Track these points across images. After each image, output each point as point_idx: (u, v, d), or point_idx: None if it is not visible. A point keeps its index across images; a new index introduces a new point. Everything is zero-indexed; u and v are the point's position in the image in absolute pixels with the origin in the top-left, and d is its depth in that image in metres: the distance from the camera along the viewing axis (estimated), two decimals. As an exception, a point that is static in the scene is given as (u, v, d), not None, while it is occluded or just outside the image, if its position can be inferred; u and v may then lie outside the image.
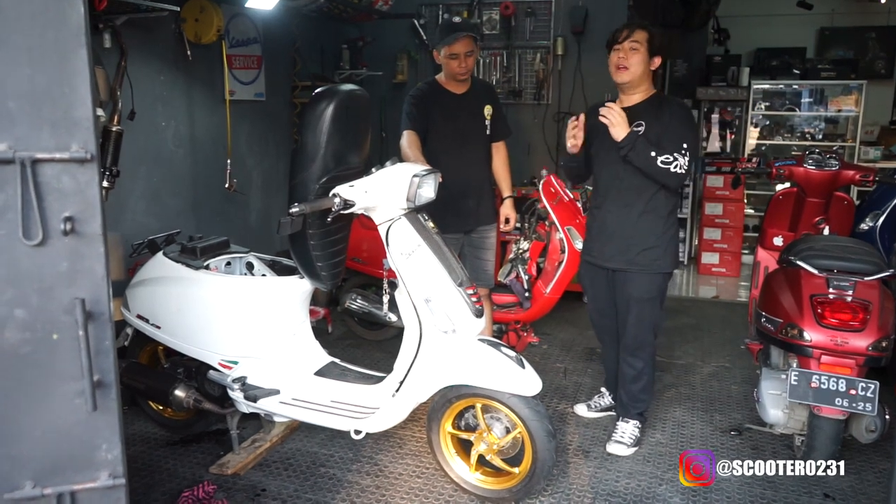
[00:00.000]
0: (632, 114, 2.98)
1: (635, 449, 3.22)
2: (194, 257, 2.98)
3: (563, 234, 3.95)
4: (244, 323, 2.83)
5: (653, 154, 2.82)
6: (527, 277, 4.05)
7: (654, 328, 3.18)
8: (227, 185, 4.28)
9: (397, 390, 2.63)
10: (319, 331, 4.71)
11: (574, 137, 2.99)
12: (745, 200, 6.99)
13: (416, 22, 5.90)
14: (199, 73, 4.23)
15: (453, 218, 3.50)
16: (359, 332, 4.62)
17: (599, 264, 3.18)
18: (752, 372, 3.94)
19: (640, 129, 2.93)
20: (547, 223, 4.13)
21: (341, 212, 2.50)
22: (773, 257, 3.90)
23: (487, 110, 3.55)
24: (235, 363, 2.85)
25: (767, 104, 7.73)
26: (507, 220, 3.68)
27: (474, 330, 2.60)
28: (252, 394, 2.79)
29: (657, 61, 2.99)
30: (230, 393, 2.84)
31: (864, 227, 4.58)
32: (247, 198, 4.69)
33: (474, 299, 2.59)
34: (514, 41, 5.89)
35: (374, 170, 2.58)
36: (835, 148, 7.32)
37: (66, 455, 1.60)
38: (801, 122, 7.94)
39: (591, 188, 4.50)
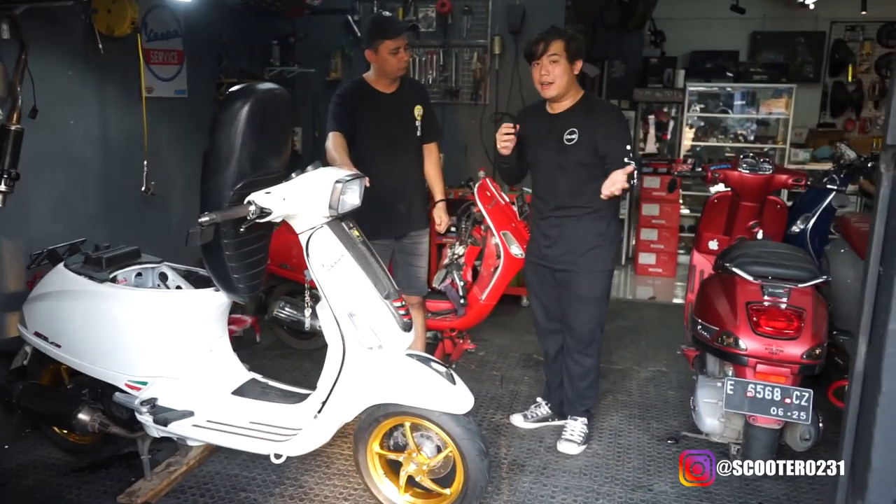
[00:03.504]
0: (563, 120, 2.99)
1: (584, 447, 3.20)
2: (99, 269, 2.74)
3: (499, 238, 3.84)
4: (153, 340, 2.61)
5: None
6: (462, 283, 3.92)
7: (601, 324, 3.17)
8: (143, 189, 4.01)
9: (319, 411, 2.46)
10: (247, 340, 4.53)
11: (504, 143, 2.94)
12: (681, 201, 7.05)
13: (350, 18, 5.71)
14: (112, 68, 3.95)
15: (384, 223, 3.36)
16: (288, 341, 4.41)
17: (545, 265, 3.16)
18: (688, 377, 3.91)
19: (573, 136, 2.92)
20: (483, 227, 4.02)
21: (257, 220, 2.32)
22: (708, 261, 3.89)
23: (418, 110, 3.41)
24: (144, 384, 2.64)
25: (702, 106, 7.82)
26: (439, 223, 3.56)
27: (402, 345, 2.45)
28: (162, 417, 2.57)
29: (579, 65, 2.97)
30: (138, 416, 2.62)
31: (795, 229, 4.63)
32: (167, 202, 4.41)
33: (402, 312, 2.45)
34: (451, 39, 5.75)
35: (294, 175, 2.40)
36: (765, 150, 7.47)
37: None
38: (734, 123, 8.07)
39: (528, 191, 4.45)
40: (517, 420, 3.46)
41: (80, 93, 3.79)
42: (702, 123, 7.99)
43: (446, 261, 4.06)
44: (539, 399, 3.51)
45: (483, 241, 4.01)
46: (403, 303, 2.48)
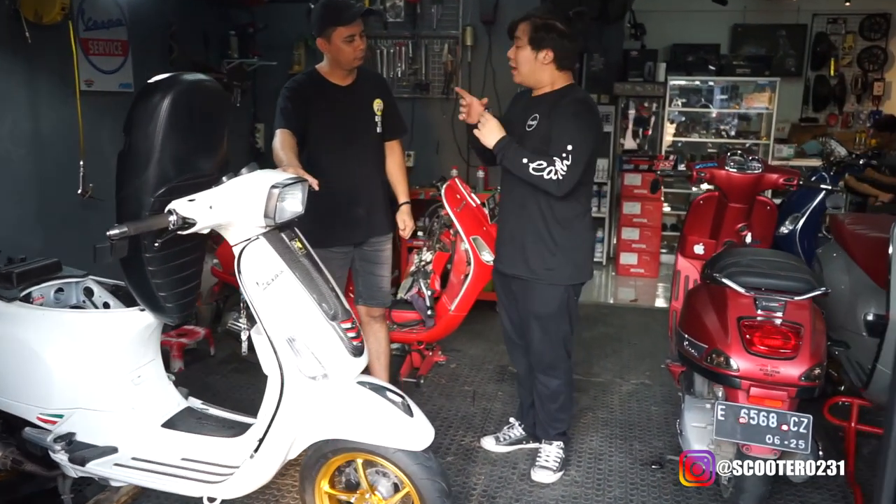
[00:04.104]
0: (534, 104, 2.72)
1: (561, 474, 2.92)
2: (9, 285, 2.40)
3: (469, 244, 3.54)
4: (69, 367, 2.28)
5: (524, 161, 2.53)
6: (429, 293, 3.62)
7: (564, 345, 2.87)
8: (80, 191, 3.65)
9: (256, 450, 2.15)
10: (201, 353, 4.21)
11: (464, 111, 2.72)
12: (663, 199, 6.81)
13: (312, 6, 5.37)
14: (42, 58, 3.60)
15: (341, 229, 3.06)
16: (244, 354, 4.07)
17: (501, 270, 2.89)
18: (673, 390, 3.66)
19: (533, 122, 2.67)
20: (452, 232, 3.72)
21: (179, 232, 2.01)
22: (694, 266, 3.63)
23: (377, 104, 3.10)
24: (60, 417, 2.31)
25: (684, 100, 7.58)
26: (403, 228, 3.26)
27: (352, 372, 2.14)
28: (80, 455, 2.25)
29: (546, 55, 2.64)
30: (52, 455, 2.29)
31: (783, 230, 4.39)
32: (108, 205, 4.05)
33: (351, 335, 2.14)
34: (421, 30, 5.46)
35: (224, 179, 2.08)
36: (748, 145, 7.27)
37: None
38: (716, 118, 7.85)
39: (501, 189, 4.16)
40: (489, 443, 3.17)
41: (5, 86, 3.46)
42: (682, 118, 7.77)
43: (412, 268, 3.76)
44: (512, 419, 3.23)
45: (452, 246, 3.72)
46: (353, 324, 2.17)
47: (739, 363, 2.45)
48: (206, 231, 2.07)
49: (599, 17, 7.08)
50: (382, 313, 3.31)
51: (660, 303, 5.79)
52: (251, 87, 5.63)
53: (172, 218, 1.97)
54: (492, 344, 4.45)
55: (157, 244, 2.00)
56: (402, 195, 3.27)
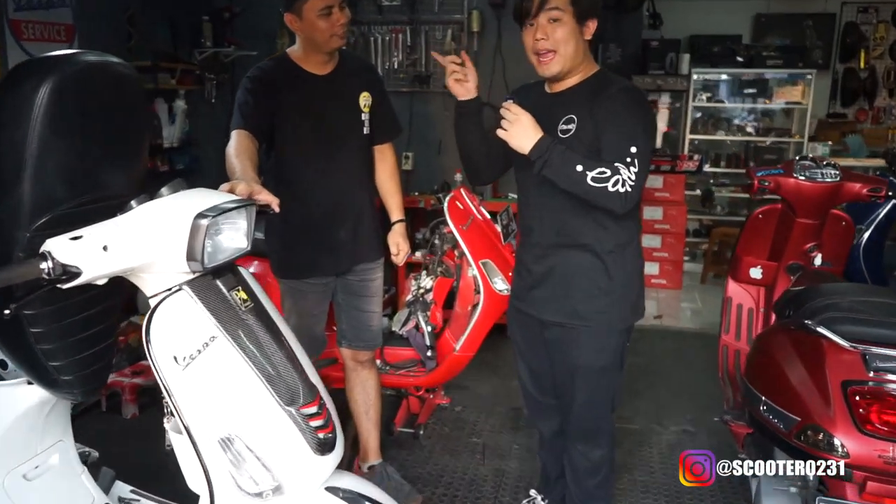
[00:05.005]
0: (562, 103, 2.04)
1: None
2: None
3: (477, 269, 2.90)
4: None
5: (578, 168, 1.85)
6: (430, 328, 2.98)
7: (612, 403, 2.25)
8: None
9: None
10: (161, 393, 3.58)
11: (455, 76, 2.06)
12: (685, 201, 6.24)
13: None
14: (-41, 43, 2.99)
15: (320, 256, 2.47)
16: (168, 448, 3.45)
17: (530, 313, 2.21)
18: (723, 441, 3.04)
19: (570, 126, 1.99)
20: (457, 253, 3.08)
21: (61, 286, 1.37)
22: (748, 293, 3.03)
23: (364, 99, 2.47)
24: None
25: (709, 94, 6.98)
26: (395, 252, 2.65)
27: (317, 477, 1.50)
28: (-57, 586, 1.62)
29: (591, 27, 2.00)
30: None
31: (845, 245, 3.77)
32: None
33: (317, 423, 1.50)
34: (420, 14, 4.89)
35: (133, 204, 1.43)
36: (768, 143, 6.71)
37: None
38: (742, 114, 7.29)
39: (514, 197, 3.54)
40: (504, 523, 2.55)
41: None
42: (699, 114, 7.20)
43: (410, 297, 3.12)
44: (533, 492, 2.60)
45: (458, 271, 3.08)
46: (321, 406, 1.53)
47: (849, 445, 1.81)
48: (101, 282, 1.42)
49: (616, 5, 6.50)
50: (371, 357, 2.69)
51: (686, 321, 5.23)
52: (228, 81, 5.00)
53: (46, 265, 1.32)
54: (504, 379, 3.81)
55: (10, 309, 1.34)
56: (396, 212, 2.65)
